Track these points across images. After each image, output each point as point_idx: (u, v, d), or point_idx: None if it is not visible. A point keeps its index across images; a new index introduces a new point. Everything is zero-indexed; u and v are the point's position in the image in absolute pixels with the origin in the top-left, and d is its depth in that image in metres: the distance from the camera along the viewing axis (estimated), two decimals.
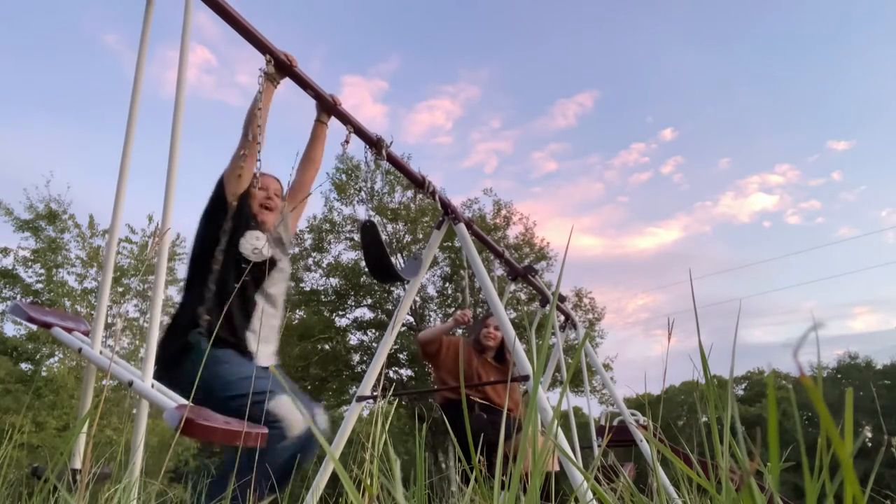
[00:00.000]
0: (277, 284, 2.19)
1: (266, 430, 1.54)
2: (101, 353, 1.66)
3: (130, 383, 1.52)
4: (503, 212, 18.67)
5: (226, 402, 1.70)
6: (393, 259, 3.48)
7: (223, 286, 1.98)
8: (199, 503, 1.61)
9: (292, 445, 1.77)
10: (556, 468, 3.16)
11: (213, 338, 1.81)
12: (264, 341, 2.08)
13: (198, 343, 1.84)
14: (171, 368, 1.86)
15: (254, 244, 2.07)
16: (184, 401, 1.52)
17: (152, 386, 1.57)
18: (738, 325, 0.71)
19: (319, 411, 2.03)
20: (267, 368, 2.04)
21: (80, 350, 1.66)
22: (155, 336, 1.60)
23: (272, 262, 2.13)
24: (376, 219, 17.13)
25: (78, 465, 1.57)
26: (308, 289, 18.89)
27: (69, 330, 1.79)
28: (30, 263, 13.38)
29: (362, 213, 18.32)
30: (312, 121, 2.47)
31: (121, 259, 13.53)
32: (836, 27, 47.55)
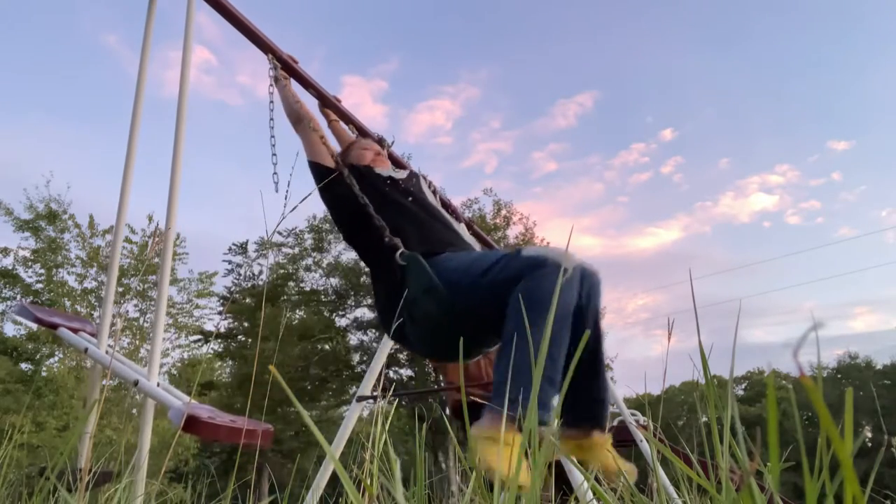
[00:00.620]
0: (426, 192, 2.06)
1: (271, 428, 1.53)
2: (106, 352, 1.66)
3: (136, 382, 1.52)
4: (503, 212, 18.69)
5: (479, 283, 1.51)
6: None
7: (397, 208, 1.82)
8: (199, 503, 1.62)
9: (575, 276, 1.47)
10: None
11: (425, 250, 1.64)
12: (467, 241, 1.88)
13: (408, 260, 1.62)
14: (394, 307, 1.65)
15: (388, 171, 2.01)
16: (187, 398, 1.52)
17: (157, 384, 1.58)
18: (738, 325, 0.71)
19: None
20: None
21: (86, 350, 1.66)
22: (160, 335, 1.60)
23: (411, 175, 2.07)
24: None
25: (79, 465, 1.57)
26: (308, 289, 18.90)
27: (75, 330, 1.79)
28: (30, 263, 13.40)
29: None
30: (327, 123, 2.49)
31: (121, 259, 13.53)
32: (836, 27, 47.58)
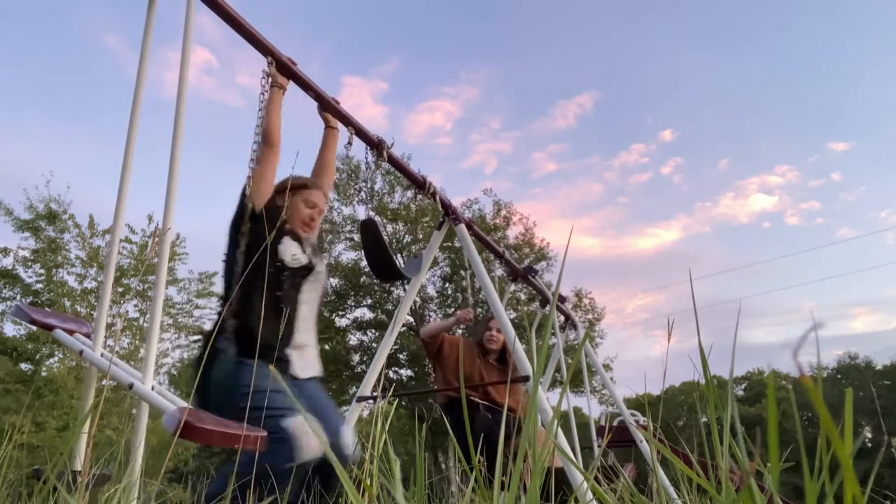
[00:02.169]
0: (316, 290, 2.14)
1: (265, 433, 1.53)
2: (101, 355, 1.66)
3: (131, 386, 1.52)
4: (503, 212, 18.67)
5: (239, 412, 1.64)
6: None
7: (253, 292, 1.90)
8: (199, 503, 1.61)
9: (302, 469, 1.68)
10: (559, 464, 3.16)
11: (242, 346, 1.78)
12: (301, 349, 2.01)
13: (226, 348, 1.80)
14: (203, 379, 1.80)
15: (292, 251, 2.03)
16: (183, 403, 1.52)
17: (152, 388, 1.57)
18: (738, 326, 0.71)
19: (346, 431, 1.89)
20: (301, 381, 1.98)
21: (81, 352, 1.66)
22: (156, 337, 1.60)
23: (309, 268, 2.09)
24: (377, 219, 17.14)
25: (78, 466, 1.57)
26: None
27: (71, 332, 1.79)
28: (30, 263, 13.38)
29: (362, 213, 18.31)
30: (316, 125, 2.48)
31: (120, 259, 13.52)
32: (836, 28, 47.56)
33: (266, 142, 2.02)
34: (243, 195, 2.02)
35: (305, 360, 2.03)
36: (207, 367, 1.79)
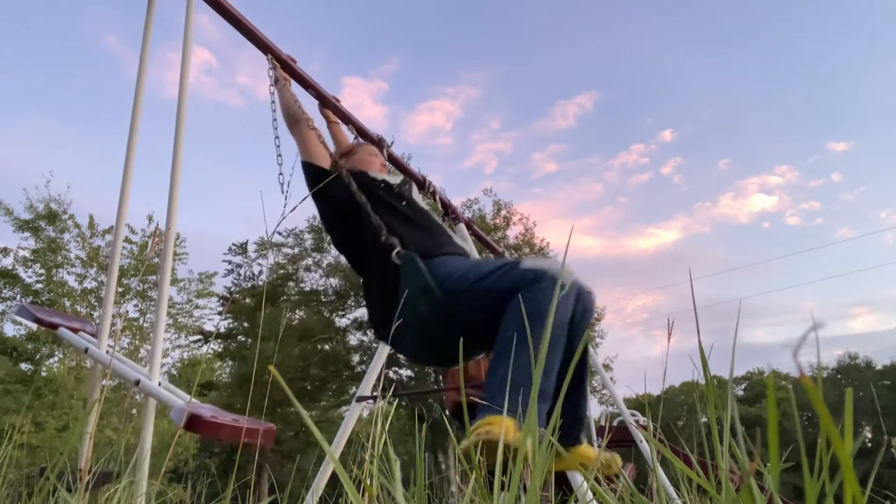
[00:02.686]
0: (418, 199, 2.04)
1: (272, 427, 1.53)
2: (106, 352, 1.66)
3: (137, 382, 1.52)
4: (503, 212, 18.68)
5: (475, 288, 1.50)
6: None
7: (391, 213, 1.78)
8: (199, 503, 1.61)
9: (572, 292, 1.47)
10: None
11: (423, 251, 1.62)
12: (465, 245, 1.88)
13: (404, 260, 1.61)
14: (388, 309, 1.63)
15: (382, 175, 1.97)
16: (189, 397, 1.52)
17: (159, 384, 1.57)
18: (738, 326, 0.71)
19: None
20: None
21: (86, 350, 1.66)
22: (161, 334, 1.60)
23: (406, 182, 2.07)
24: None
25: (79, 466, 1.57)
26: (308, 289, 18.89)
27: (75, 330, 1.79)
28: (30, 263, 13.39)
29: None
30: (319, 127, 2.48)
31: (121, 259, 13.53)
32: (836, 28, 47.57)
33: (292, 121, 2.01)
34: (310, 167, 1.93)
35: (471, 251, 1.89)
36: (397, 291, 1.60)
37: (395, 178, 2.03)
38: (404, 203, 1.86)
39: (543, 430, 1.20)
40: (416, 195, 2.05)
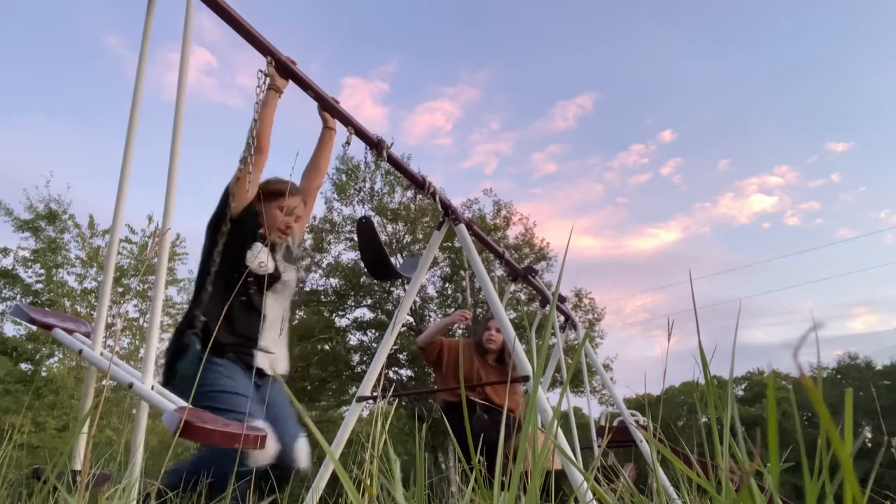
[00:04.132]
0: (283, 296, 2.19)
1: (265, 433, 1.53)
2: (101, 354, 1.66)
3: (130, 385, 1.52)
4: (503, 212, 18.67)
5: (203, 409, 1.68)
6: (392, 259, 3.49)
7: (225, 293, 1.95)
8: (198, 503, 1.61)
9: (252, 472, 1.72)
10: (558, 466, 3.15)
11: (211, 342, 1.80)
12: (266, 353, 2.07)
13: (192, 343, 1.84)
14: (169, 371, 1.88)
15: (259, 258, 2.06)
16: (183, 403, 1.51)
17: (152, 388, 1.57)
18: (738, 326, 0.71)
19: (301, 443, 1.95)
20: (265, 382, 2.05)
21: (80, 352, 1.66)
22: (155, 337, 1.60)
23: (276, 276, 2.12)
24: (376, 219, 17.17)
25: (78, 466, 1.57)
26: (308, 289, 18.87)
27: (70, 331, 1.79)
28: (30, 263, 13.38)
29: (362, 213, 18.30)
30: (317, 127, 2.47)
31: (120, 259, 13.53)
32: (836, 28, 47.58)
33: (257, 145, 2.00)
34: (226, 195, 2.05)
35: (271, 360, 2.09)
36: (174, 359, 1.86)
37: (264, 269, 2.08)
38: (243, 298, 2.02)
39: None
40: (276, 292, 2.15)
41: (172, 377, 1.86)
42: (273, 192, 2.16)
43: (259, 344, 2.05)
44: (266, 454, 1.71)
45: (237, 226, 2.03)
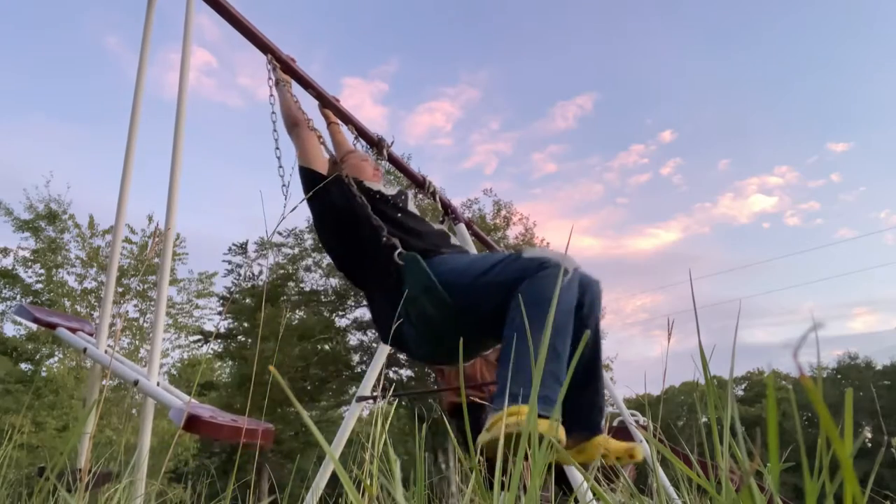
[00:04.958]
0: (413, 209, 2.05)
1: (272, 427, 1.53)
2: (105, 352, 1.66)
3: (136, 382, 1.52)
4: (503, 212, 18.67)
5: (478, 283, 1.51)
6: None
7: (387, 219, 1.78)
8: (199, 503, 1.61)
9: (573, 281, 1.47)
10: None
11: (423, 252, 1.63)
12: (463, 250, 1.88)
13: (406, 260, 1.60)
14: (390, 309, 1.63)
15: (377, 186, 1.96)
16: (188, 398, 1.52)
17: (157, 384, 1.57)
18: (738, 326, 0.71)
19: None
20: None
21: (84, 350, 1.66)
22: (160, 333, 1.60)
23: (404, 193, 2.03)
24: None
25: (78, 466, 1.57)
26: (308, 289, 18.88)
27: (74, 330, 1.79)
28: (30, 263, 13.39)
29: None
30: (325, 126, 2.47)
31: (121, 259, 13.52)
32: (836, 29, 47.58)
33: (292, 123, 2.02)
34: (306, 172, 1.94)
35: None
36: (397, 291, 1.60)
37: (391, 189, 2.02)
38: (399, 214, 1.88)
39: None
40: (412, 205, 2.05)
41: (408, 308, 1.59)
42: (340, 155, 2.15)
43: (451, 243, 1.89)
44: (565, 258, 1.45)
45: (339, 186, 1.88)
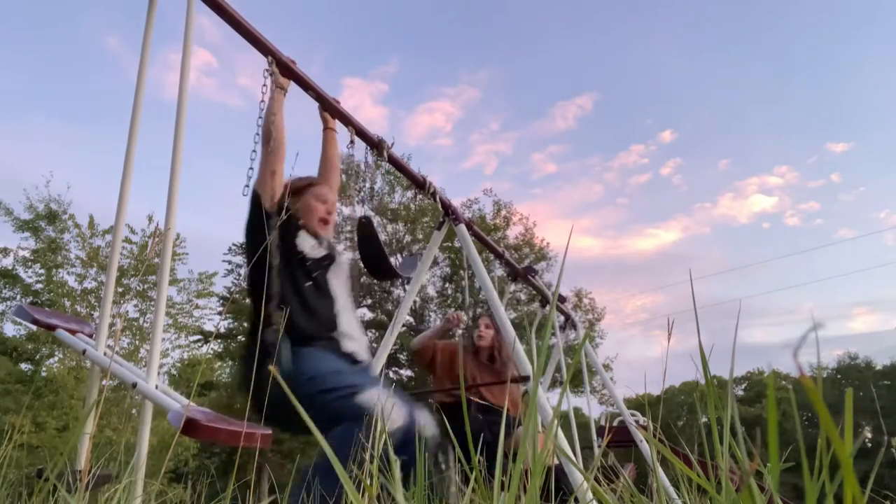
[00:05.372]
0: (342, 278, 2.10)
1: (269, 432, 1.53)
2: (104, 354, 1.66)
3: (134, 385, 1.52)
4: (503, 212, 18.68)
5: (316, 398, 1.61)
6: (392, 260, 3.49)
7: (288, 285, 1.87)
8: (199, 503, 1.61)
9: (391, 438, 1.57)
10: (556, 462, 3.16)
11: (297, 334, 1.73)
12: (349, 336, 1.95)
13: (276, 343, 1.71)
14: (254, 380, 1.70)
15: (310, 242, 2.00)
16: (186, 401, 1.52)
17: (156, 387, 1.57)
18: (738, 326, 0.71)
19: (422, 412, 1.78)
20: (360, 363, 1.94)
21: (83, 352, 1.66)
22: (159, 336, 1.60)
23: (331, 257, 2.05)
24: (375, 219, 17.15)
25: (78, 466, 1.57)
26: None
27: (73, 332, 1.79)
28: (30, 263, 13.38)
29: (362, 213, 18.28)
30: (316, 127, 2.48)
31: (121, 259, 13.52)
32: (835, 29, 47.58)
33: (270, 142, 2.00)
34: (255, 197, 1.99)
35: (356, 345, 1.97)
36: (260, 364, 1.69)
37: (317, 252, 2.01)
38: (308, 283, 1.93)
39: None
40: (335, 273, 2.07)
41: (261, 385, 1.67)
42: (302, 185, 2.14)
43: (340, 328, 1.95)
44: (398, 418, 1.59)
45: (275, 220, 1.91)
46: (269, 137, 1.99)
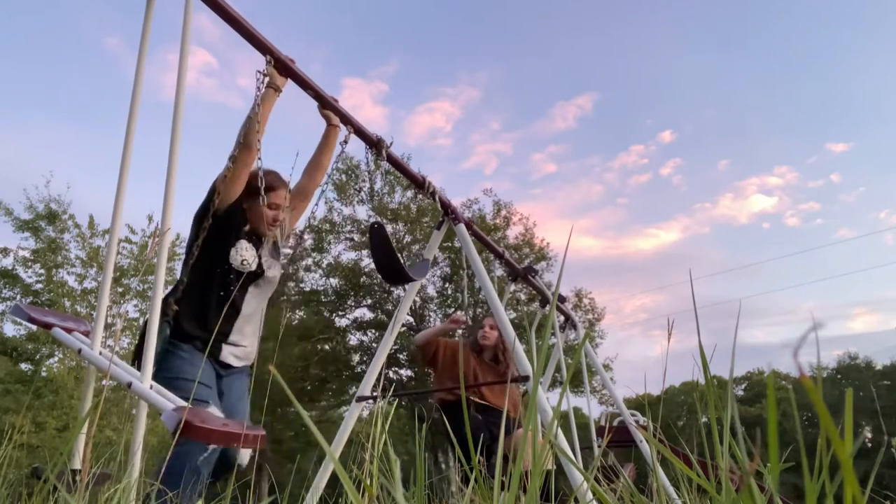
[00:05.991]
0: (262, 295, 2.22)
1: (263, 433, 1.53)
2: (100, 353, 1.65)
3: (129, 384, 1.52)
4: (503, 212, 18.66)
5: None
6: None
7: (203, 287, 2.01)
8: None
9: (209, 457, 1.80)
10: (553, 466, 3.16)
11: (179, 331, 1.88)
12: (234, 347, 2.11)
13: (160, 330, 1.83)
14: (138, 354, 1.87)
15: (243, 255, 2.09)
16: (182, 402, 1.51)
17: (150, 387, 1.57)
18: (738, 326, 0.71)
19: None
20: (228, 372, 2.09)
21: (79, 351, 1.65)
22: (154, 336, 1.60)
23: (260, 273, 2.16)
24: (384, 224, 17.15)
25: (77, 466, 1.57)
26: (308, 289, 18.87)
27: (69, 330, 1.78)
28: (30, 263, 13.38)
29: (362, 213, 18.27)
30: (316, 127, 2.48)
31: (120, 259, 13.53)
32: (835, 29, 47.57)
33: (245, 142, 2.00)
34: (213, 191, 2.05)
35: (236, 355, 2.12)
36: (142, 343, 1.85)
37: (245, 266, 2.11)
38: (221, 292, 2.05)
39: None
40: (258, 289, 2.19)
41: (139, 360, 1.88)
42: (257, 188, 2.16)
43: (229, 338, 2.09)
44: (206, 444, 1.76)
45: (221, 221, 2.05)
46: (249, 146, 2.00)
